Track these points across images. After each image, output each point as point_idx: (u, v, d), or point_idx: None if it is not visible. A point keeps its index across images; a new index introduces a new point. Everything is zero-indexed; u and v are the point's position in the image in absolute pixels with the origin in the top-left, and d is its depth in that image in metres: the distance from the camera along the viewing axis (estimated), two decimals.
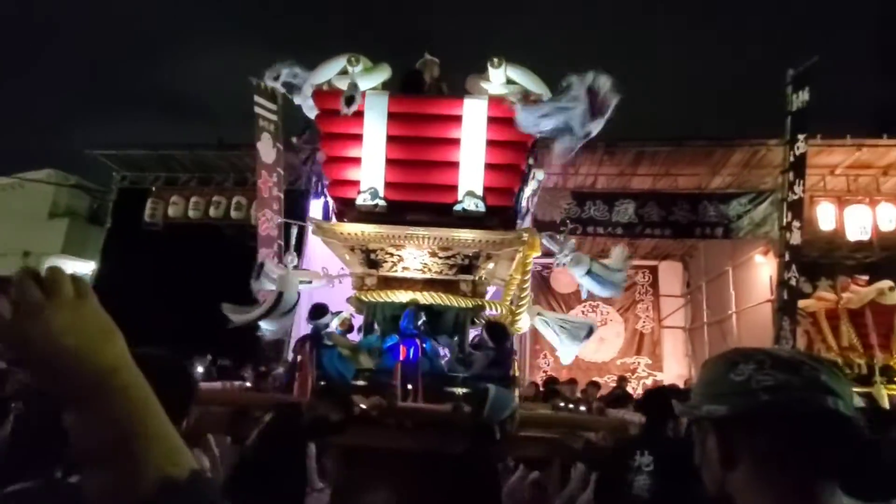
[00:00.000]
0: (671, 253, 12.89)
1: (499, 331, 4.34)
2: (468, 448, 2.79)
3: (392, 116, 4.37)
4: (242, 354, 7.82)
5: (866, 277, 8.57)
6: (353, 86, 4.18)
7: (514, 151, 4.55)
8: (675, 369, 12.59)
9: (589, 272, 4.50)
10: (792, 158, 8.05)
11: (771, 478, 0.73)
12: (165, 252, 10.09)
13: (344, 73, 4.39)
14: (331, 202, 4.71)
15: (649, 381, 12.34)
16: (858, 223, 8.83)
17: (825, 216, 8.98)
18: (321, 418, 3.01)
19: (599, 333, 13.16)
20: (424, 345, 4.19)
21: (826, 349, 7.93)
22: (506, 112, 4.36)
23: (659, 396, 3.21)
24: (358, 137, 4.37)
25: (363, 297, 4.45)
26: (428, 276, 4.58)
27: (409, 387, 3.82)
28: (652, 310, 13.32)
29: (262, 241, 9.00)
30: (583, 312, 12.74)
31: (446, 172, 4.46)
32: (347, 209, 4.45)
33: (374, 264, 4.49)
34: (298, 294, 4.47)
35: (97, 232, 12.68)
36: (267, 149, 9.07)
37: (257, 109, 8.98)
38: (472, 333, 4.61)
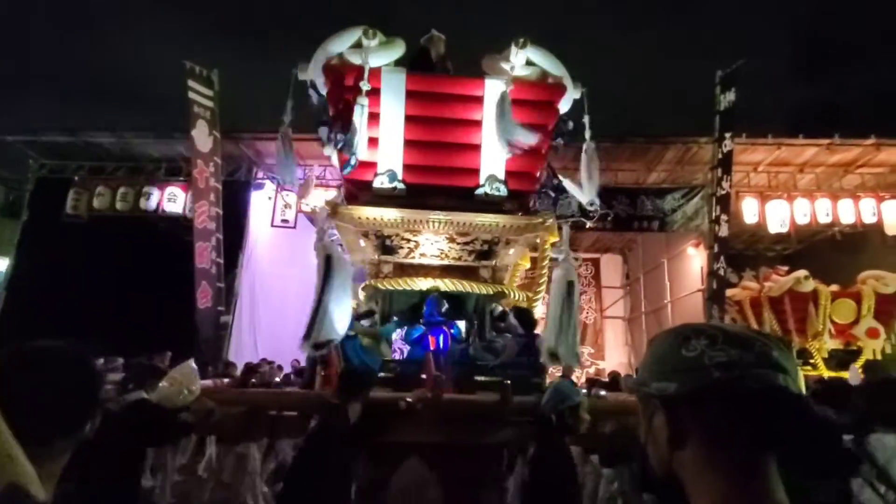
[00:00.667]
0: (612, 246, 13.40)
1: (528, 317, 4.21)
2: (536, 446, 2.72)
3: (410, 95, 4.14)
4: (176, 353, 7.40)
5: (785, 268, 9.25)
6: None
7: (536, 135, 4.31)
8: (616, 357, 13.12)
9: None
10: (720, 155, 8.54)
11: (720, 456, 0.71)
12: (90, 246, 9.40)
13: (357, 45, 4.13)
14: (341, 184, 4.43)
15: (592, 370, 12.80)
16: (778, 217, 9.50)
17: (749, 210, 9.59)
18: (369, 416, 2.90)
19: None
20: (452, 331, 4.04)
21: None
22: (527, 94, 4.25)
23: None
24: (374, 116, 4.09)
25: (380, 286, 4.24)
26: (446, 262, 4.43)
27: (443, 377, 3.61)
28: (595, 301, 13.80)
29: (199, 234, 8.57)
30: None
31: (467, 155, 4.29)
32: (362, 192, 4.20)
33: (389, 251, 4.30)
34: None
35: (13, 225, 11.63)
36: (203, 137, 8.62)
37: (192, 95, 8.51)
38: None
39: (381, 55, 4.14)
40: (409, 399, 3.14)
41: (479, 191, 4.22)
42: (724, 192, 8.50)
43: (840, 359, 8.38)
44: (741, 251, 10.75)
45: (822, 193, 9.72)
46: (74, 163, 10.38)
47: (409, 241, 4.33)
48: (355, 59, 4.07)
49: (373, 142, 4.16)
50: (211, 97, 8.69)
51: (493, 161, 4.24)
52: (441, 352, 3.89)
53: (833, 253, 10.17)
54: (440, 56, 4.68)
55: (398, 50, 4.24)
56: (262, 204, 10.26)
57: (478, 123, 4.21)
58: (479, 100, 4.19)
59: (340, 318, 3.53)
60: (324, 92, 4.22)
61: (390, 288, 4.24)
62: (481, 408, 3.28)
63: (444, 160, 4.32)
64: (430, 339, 3.96)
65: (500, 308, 4.38)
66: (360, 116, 3.93)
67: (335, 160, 5.07)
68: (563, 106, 4.42)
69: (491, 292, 4.34)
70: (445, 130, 4.29)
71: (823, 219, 9.57)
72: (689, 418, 0.73)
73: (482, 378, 3.80)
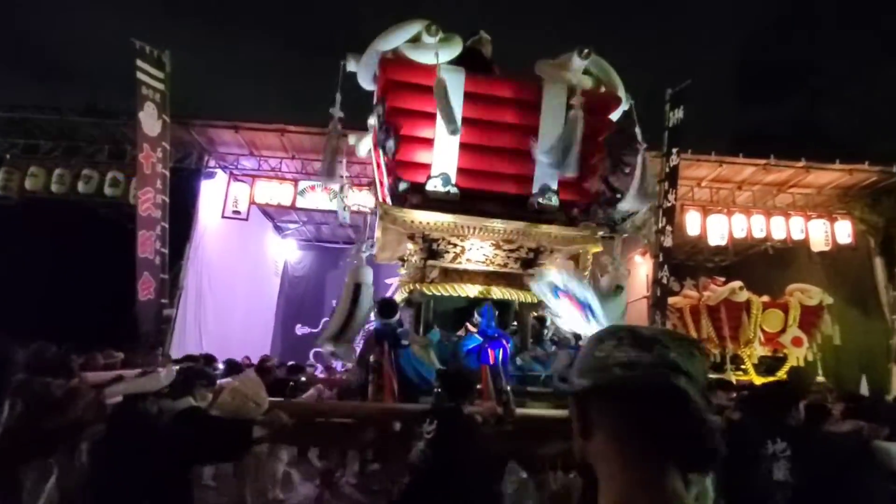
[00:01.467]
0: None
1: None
2: None
3: (468, 97, 3.97)
4: (115, 346, 7.01)
5: (723, 278, 9.82)
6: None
7: (589, 146, 4.28)
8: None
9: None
10: (667, 169, 8.96)
11: (618, 448, 0.78)
12: (21, 230, 8.76)
13: (415, 40, 3.94)
14: (385, 184, 4.22)
15: None
16: (718, 230, 10.07)
17: (692, 223, 10.11)
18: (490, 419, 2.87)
19: None
20: (508, 344, 3.94)
21: None
22: (585, 104, 4.11)
23: (780, 388, 3.26)
24: (430, 116, 3.89)
25: (425, 290, 4.09)
26: (490, 268, 4.32)
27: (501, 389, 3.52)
28: None
29: (143, 222, 8.15)
30: None
31: (522, 163, 4.17)
32: (411, 194, 4.04)
33: (435, 255, 4.15)
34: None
35: None
36: (150, 120, 8.21)
37: (140, 76, 8.08)
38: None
39: (443, 52, 3.97)
40: (481, 414, 3.10)
41: (532, 199, 4.16)
42: (669, 205, 8.92)
43: (768, 365, 8.99)
44: (683, 261, 11.32)
45: (757, 210, 10.38)
46: (6, 140, 9.62)
47: (455, 245, 4.21)
48: (411, 55, 3.93)
49: (426, 142, 4.01)
50: (161, 79, 8.28)
51: (547, 170, 4.14)
52: (502, 365, 3.78)
53: (765, 266, 10.90)
54: (490, 58, 4.58)
55: (456, 48, 4.08)
56: (212, 193, 9.89)
57: (534, 130, 4.09)
58: (535, 106, 4.09)
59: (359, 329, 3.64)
60: (373, 86, 4.05)
61: (435, 293, 4.12)
62: (555, 424, 3.21)
63: (498, 166, 4.21)
64: (490, 352, 3.82)
65: (546, 317, 4.36)
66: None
67: (367, 155, 4.96)
68: (614, 116, 4.42)
69: (535, 301, 4.27)
70: (501, 135, 4.16)
71: (758, 234, 10.22)
72: (595, 412, 0.81)
73: (534, 389, 3.78)
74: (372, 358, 3.72)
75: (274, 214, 12.22)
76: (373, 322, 4.05)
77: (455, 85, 3.90)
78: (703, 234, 10.14)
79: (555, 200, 4.23)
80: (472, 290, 4.15)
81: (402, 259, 4.76)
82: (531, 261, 4.39)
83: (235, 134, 9.54)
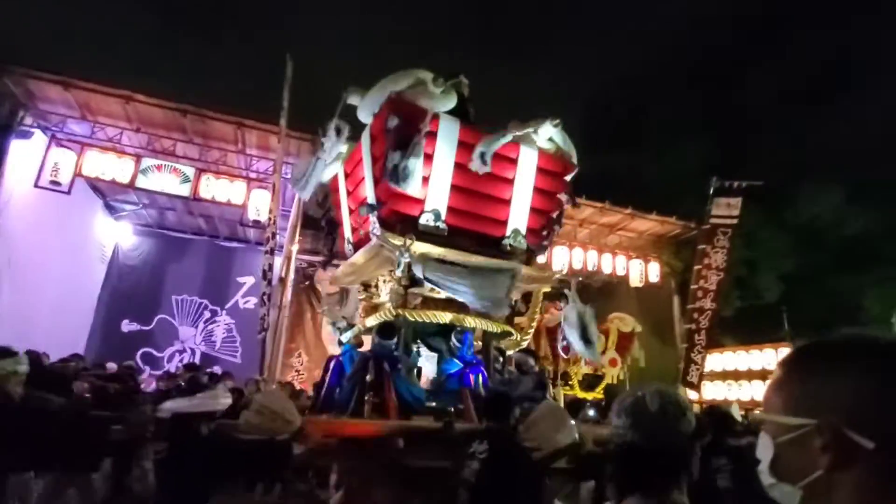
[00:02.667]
0: None
1: (535, 355, 4.67)
2: None
3: (461, 145, 4.42)
4: None
5: (562, 304, 10.95)
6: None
7: (551, 201, 5.00)
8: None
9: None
10: None
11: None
12: None
13: (418, 85, 4.34)
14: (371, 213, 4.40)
15: None
16: (560, 261, 11.29)
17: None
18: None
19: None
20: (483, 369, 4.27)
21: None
22: (549, 165, 4.80)
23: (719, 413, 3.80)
24: (427, 157, 4.29)
25: (408, 315, 4.35)
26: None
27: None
28: None
29: None
30: None
31: (499, 208, 4.69)
32: (401, 224, 4.35)
33: (416, 282, 4.39)
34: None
35: None
36: None
37: None
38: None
39: (444, 102, 4.45)
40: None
41: (505, 241, 4.68)
42: None
43: (589, 382, 10.24)
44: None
45: (592, 246, 11.89)
46: None
47: None
48: (416, 99, 4.31)
49: (423, 180, 4.42)
50: None
51: (518, 217, 4.76)
52: (483, 388, 4.12)
53: (595, 295, 12.44)
54: (466, 99, 4.93)
55: (454, 99, 4.54)
56: (25, 157, 8.28)
57: (510, 181, 4.70)
58: (513, 161, 4.68)
59: None
60: (368, 120, 4.43)
61: (416, 319, 4.42)
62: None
63: (480, 208, 4.69)
64: (471, 377, 4.19)
65: (503, 347, 4.94)
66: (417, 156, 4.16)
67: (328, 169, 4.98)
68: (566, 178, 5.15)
69: (498, 331, 4.82)
70: (486, 182, 4.63)
71: (591, 267, 11.68)
72: None
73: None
74: (369, 377, 3.88)
75: (106, 191, 10.61)
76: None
77: (451, 132, 4.46)
78: (548, 264, 11.24)
79: (523, 243, 4.79)
80: (447, 318, 4.59)
81: (364, 284, 5.07)
82: None
83: (64, 91, 8.16)
